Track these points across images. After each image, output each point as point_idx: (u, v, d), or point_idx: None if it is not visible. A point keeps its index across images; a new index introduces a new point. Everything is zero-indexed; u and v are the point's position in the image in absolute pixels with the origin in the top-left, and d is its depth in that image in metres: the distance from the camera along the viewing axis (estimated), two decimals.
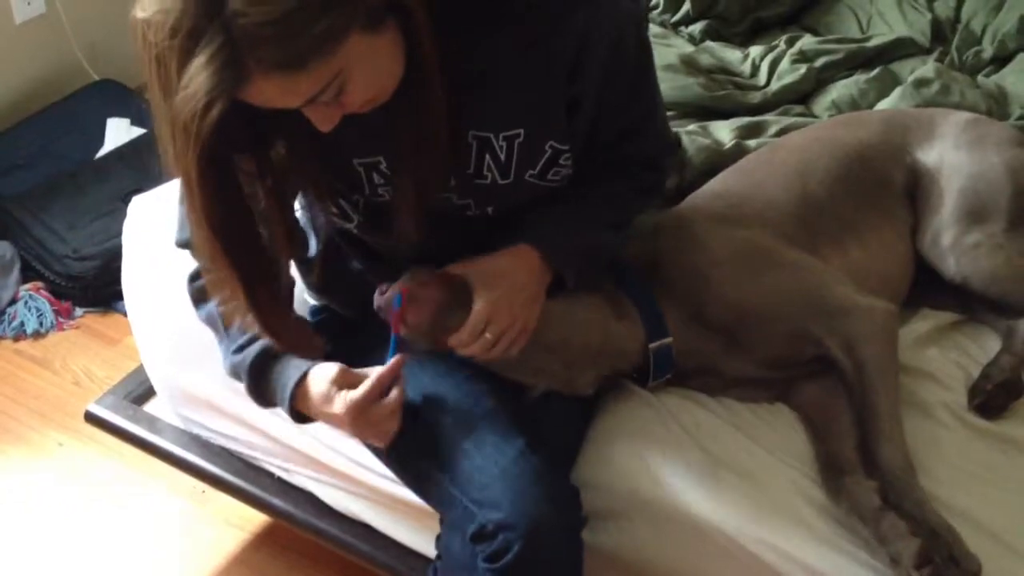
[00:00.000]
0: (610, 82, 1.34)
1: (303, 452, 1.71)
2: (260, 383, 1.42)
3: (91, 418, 1.95)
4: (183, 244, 1.44)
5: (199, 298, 1.47)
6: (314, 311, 1.65)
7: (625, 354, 1.48)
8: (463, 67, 1.23)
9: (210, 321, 1.46)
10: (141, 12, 1.04)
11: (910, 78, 2.14)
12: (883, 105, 2.08)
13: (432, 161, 1.27)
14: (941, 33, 2.39)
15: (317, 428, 1.50)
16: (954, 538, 1.31)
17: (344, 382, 1.35)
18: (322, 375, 1.37)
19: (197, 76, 1.02)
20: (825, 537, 1.37)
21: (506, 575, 1.29)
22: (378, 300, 1.38)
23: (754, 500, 1.41)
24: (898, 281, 1.64)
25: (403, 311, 1.35)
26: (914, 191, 1.68)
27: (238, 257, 1.21)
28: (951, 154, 1.68)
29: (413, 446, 1.42)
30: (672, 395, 1.53)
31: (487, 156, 1.33)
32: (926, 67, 2.19)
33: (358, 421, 1.34)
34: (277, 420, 1.62)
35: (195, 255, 1.41)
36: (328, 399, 1.35)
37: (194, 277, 1.46)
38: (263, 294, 1.27)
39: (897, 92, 2.09)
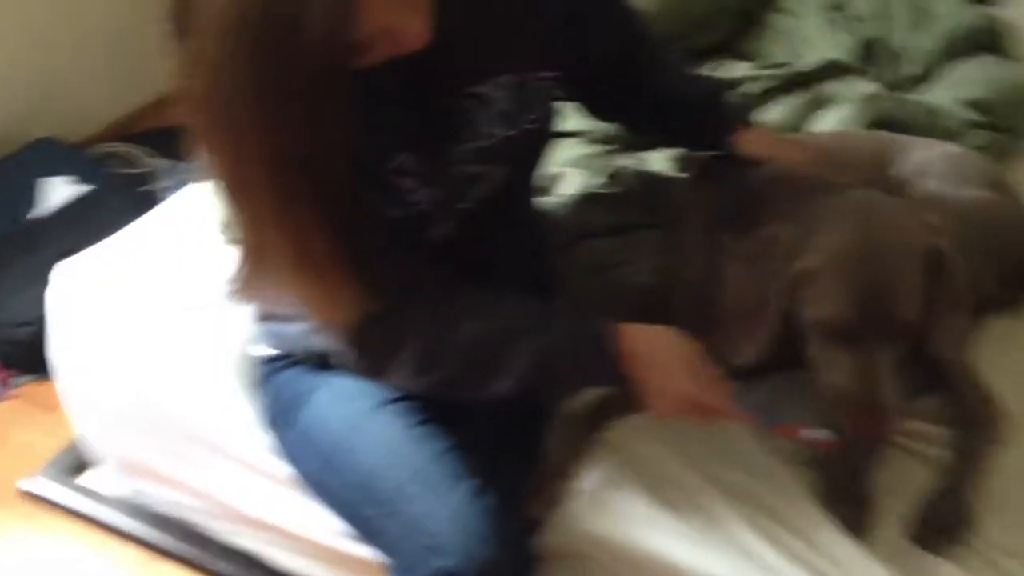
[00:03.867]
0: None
1: (247, 513, 1.67)
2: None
3: (27, 494, 1.90)
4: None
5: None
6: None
7: None
8: (458, 14, 1.21)
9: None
10: None
11: (862, 92, 2.16)
12: (841, 115, 2.09)
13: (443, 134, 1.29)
14: (868, 54, 2.41)
15: (260, 488, 1.46)
16: None
17: (697, 365, 1.30)
18: (671, 339, 1.31)
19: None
20: (777, 568, 1.35)
21: None
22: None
23: (707, 535, 1.40)
24: None
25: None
26: None
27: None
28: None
29: (359, 495, 1.39)
30: (622, 431, 1.51)
31: (484, 111, 1.33)
32: (868, 85, 2.22)
33: (691, 407, 1.29)
34: (220, 483, 1.59)
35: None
36: (680, 369, 1.28)
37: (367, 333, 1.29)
38: None
39: (852, 105, 2.10)
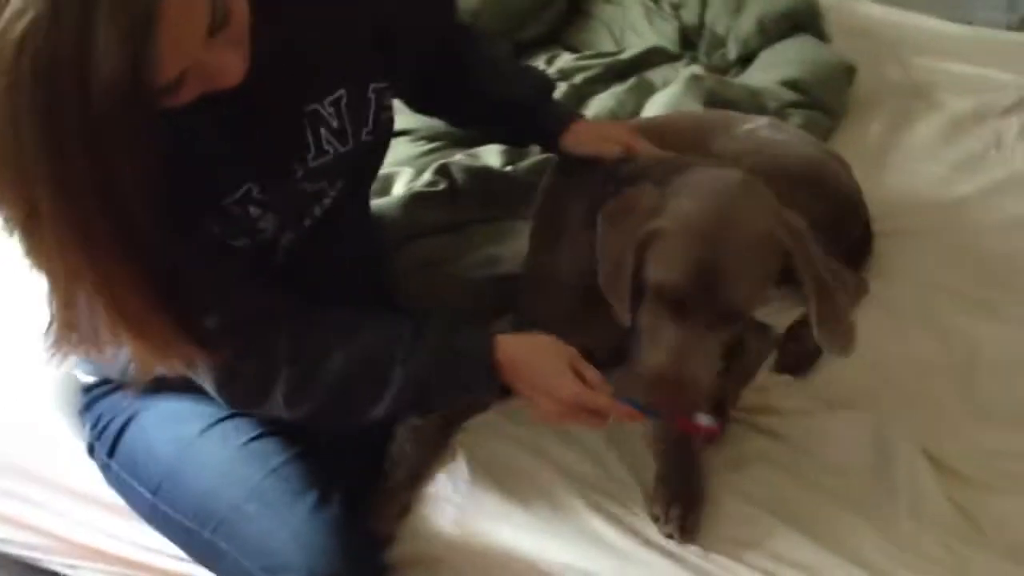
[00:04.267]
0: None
1: (86, 545, 1.62)
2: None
3: None
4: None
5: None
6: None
7: None
8: (273, 40, 1.15)
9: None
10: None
11: (685, 73, 2.20)
12: (669, 97, 2.13)
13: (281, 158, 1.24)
14: (688, 39, 2.47)
15: (96, 518, 1.40)
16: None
17: (576, 368, 1.27)
18: (548, 345, 1.28)
19: (107, 26, 0.88)
20: (626, 552, 1.37)
21: None
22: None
23: (556, 524, 1.40)
24: None
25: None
26: None
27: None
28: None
29: (196, 519, 1.35)
30: (472, 431, 1.50)
31: (322, 130, 1.29)
32: (694, 67, 2.28)
33: (579, 410, 1.26)
34: (54, 517, 1.52)
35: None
36: (561, 374, 1.25)
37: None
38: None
39: (680, 87, 2.14)
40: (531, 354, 1.27)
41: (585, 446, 1.49)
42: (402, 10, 1.37)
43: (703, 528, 1.37)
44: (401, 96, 1.59)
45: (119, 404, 1.45)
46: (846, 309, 1.32)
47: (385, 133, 1.41)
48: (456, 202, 1.86)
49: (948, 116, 2.24)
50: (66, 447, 1.57)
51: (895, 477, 1.43)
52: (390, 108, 1.39)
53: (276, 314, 1.24)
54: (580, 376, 1.26)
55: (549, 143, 1.62)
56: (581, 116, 1.67)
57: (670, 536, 1.36)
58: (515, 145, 1.90)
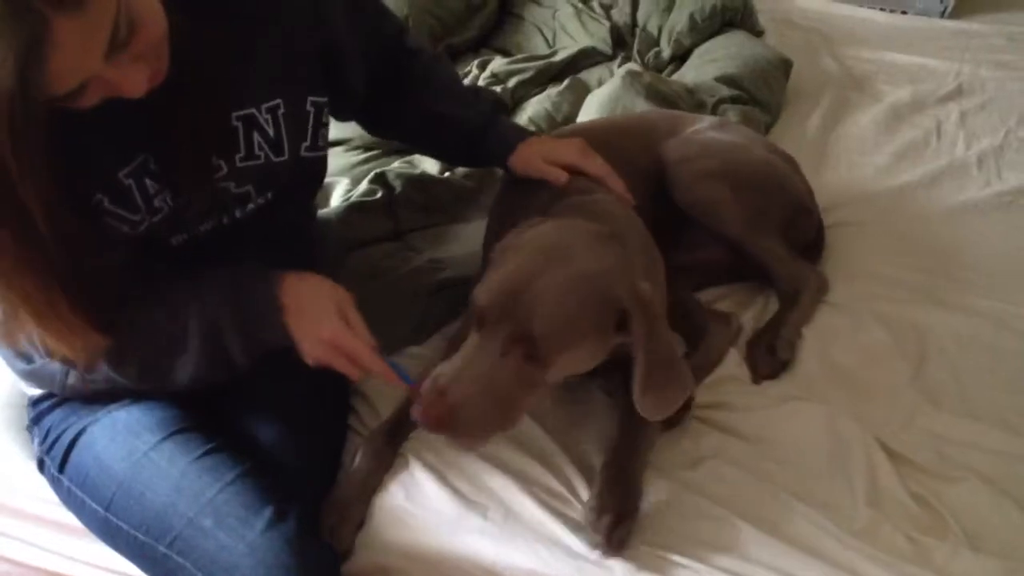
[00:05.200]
0: (357, 17, 1.42)
1: (41, 568, 1.57)
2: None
3: None
4: None
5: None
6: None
7: None
8: (208, 43, 1.20)
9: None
10: None
11: (621, 72, 2.18)
12: (608, 95, 2.11)
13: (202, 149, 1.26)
14: (621, 39, 2.46)
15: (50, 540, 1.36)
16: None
17: (345, 312, 1.29)
18: (323, 287, 1.31)
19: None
20: (585, 555, 1.34)
21: None
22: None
23: (513, 530, 1.37)
24: None
25: None
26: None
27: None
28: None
29: (151, 535, 1.31)
30: (422, 439, 1.47)
31: (255, 134, 1.32)
32: (629, 64, 2.26)
33: (336, 351, 1.28)
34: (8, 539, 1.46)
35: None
36: (326, 312, 1.28)
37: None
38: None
39: (617, 84, 2.13)
40: (308, 294, 1.30)
41: (535, 451, 1.46)
42: (351, 29, 1.42)
43: (652, 533, 1.35)
44: (351, 116, 1.64)
45: (68, 417, 1.43)
46: (676, 387, 1.29)
47: (324, 149, 1.45)
48: (395, 210, 1.84)
49: (887, 106, 2.25)
50: (15, 468, 1.55)
51: (852, 469, 1.42)
52: (327, 125, 1.44)
53: (146, 292, 1.29)
54: (346, 321, 1.29)
55: (499, 164, 1.65)
56: (532, 134, 1.66)
57: (597, 547, 1.33)
58: (468, 165, 1.93)
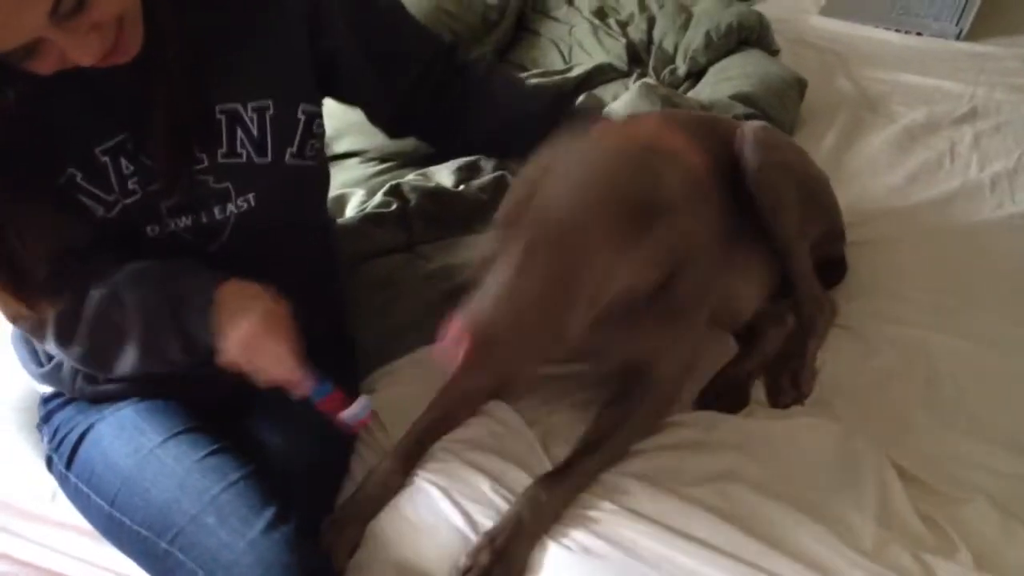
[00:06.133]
0: (361, 27, 1.41)
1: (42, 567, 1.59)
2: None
3: None
4: None
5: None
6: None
7: None
8: (199, 30, 1.21)
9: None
10: None
11: (637, 84, 2.19)
12: (624, 104, 2.12)
13: (182, 136, 1.26)
14: (636, 56, 2.46)
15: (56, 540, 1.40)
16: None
17: (272, 322, 1.27)
18: (264, 298, 1.28)
19: None
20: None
21: None
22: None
23: None
24: None
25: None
26: None
27: None
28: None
29: (153, 530, 1.33)
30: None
31: (239, 130, 1.31)
32: (646, 78, 2.28)
33: (250, 353, 1.26)
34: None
35: None
36: (252, 314, 1.25)
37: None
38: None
39: (634, 94, 2.14)
40: (242, 296, 1.27)
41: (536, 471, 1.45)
42: (350, 35, 1.41)
43: None
44: (378, 121, 1.61)
45: (76, 415, 1.46)
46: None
47: (313, 160, 1.42)
48: (409, 222, 1.85)
49: (901, 127, 2.25)
50: (22, 467, 1.57)
51: (862, 487, 1.41)
52: (320, 137, 1.42)
53: (97, 271, 1.28)
54: (274, 329, 1.26)
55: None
56: (604, 116, 1.65)
57: None
58: None
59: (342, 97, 1.53)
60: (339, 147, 2.11)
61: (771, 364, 1.62)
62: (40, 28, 1.03)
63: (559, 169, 1.19)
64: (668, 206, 1.20)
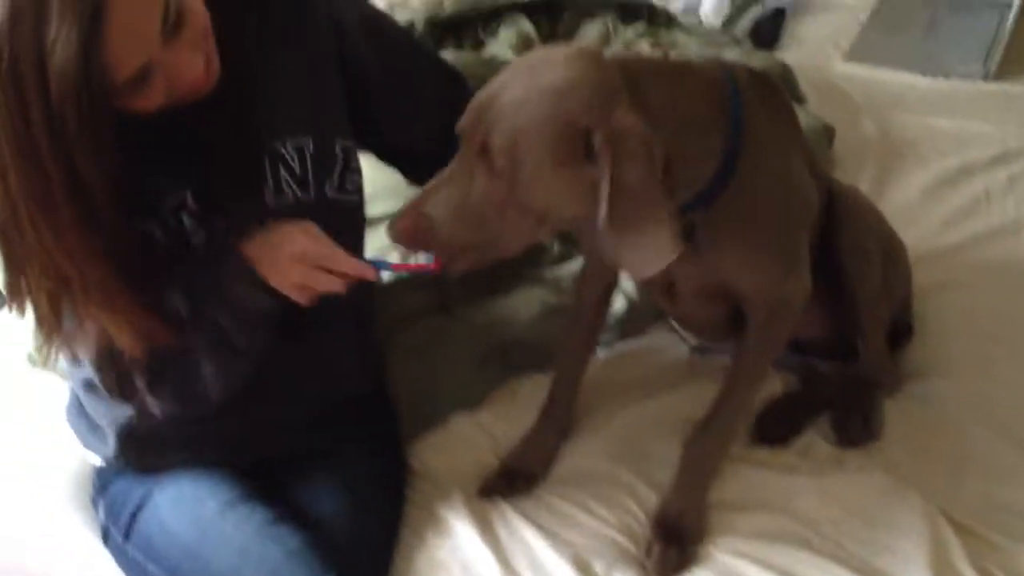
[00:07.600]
0: (383, 54, 1.45)
1: None
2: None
3: None
4: None
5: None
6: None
7: None
8: (245, 67, 1.25)
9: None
10: None
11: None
12: None
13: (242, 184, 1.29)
14: None
15: None
16: None
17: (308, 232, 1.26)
18: (286, 222, 1.27)
19: (59, 20, 1.00)
20: None
21: None
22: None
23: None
24: None
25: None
26: None
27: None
28: None
29: None
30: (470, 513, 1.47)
31: (281, 169, 1.33)
32: None
33: (310, 264, 1.25)
34: None
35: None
36: (290, 235, 1.25)
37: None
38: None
39: None
40: (268, 231, 1.26)
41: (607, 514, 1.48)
42: (378, 69, 1.44)
43: None
44: (394, 156, 1.62)
45: (133, 483, 1.46)
46: (645, 226, 1.17)
47: (355, 195, 1.44)
48: (442, 283, 1.83)
49: (933, 172, 2.23)
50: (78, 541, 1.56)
51: (914, 540, 1.40)
52: (358, 171, 1.44)
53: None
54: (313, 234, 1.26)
55: None
56: None
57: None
58: None
59: (363, 128, 1.49)
60: (372, 211, 2.11)
61: (842, 403, 1.61)
62: (154, 47, 1.08)
63: (511, 79, 1.20)
64: (614, 133, 1.15)
